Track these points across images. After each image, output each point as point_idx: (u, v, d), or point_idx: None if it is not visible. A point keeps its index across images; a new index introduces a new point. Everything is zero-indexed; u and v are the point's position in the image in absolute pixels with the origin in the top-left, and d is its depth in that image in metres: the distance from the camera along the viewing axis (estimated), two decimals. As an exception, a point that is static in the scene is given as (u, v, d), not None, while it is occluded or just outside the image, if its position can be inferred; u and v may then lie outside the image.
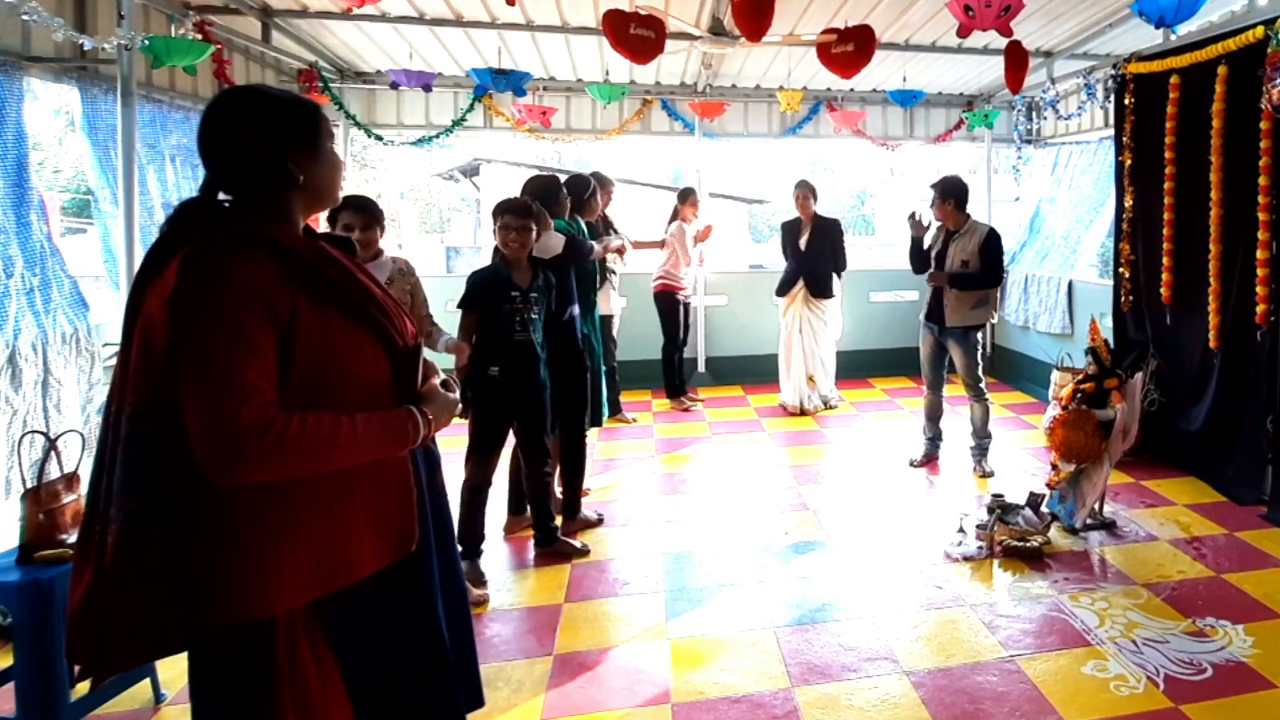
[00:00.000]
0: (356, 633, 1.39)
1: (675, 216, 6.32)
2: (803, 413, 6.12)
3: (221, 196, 1.40)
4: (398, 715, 1.45)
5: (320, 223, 3.23)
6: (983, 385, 4.74)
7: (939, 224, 4.82)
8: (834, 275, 6.11)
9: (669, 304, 6.21)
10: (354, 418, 1.32)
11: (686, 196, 6.38)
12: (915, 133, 7.71)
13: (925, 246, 4.87)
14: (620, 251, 5.09)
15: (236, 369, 1.21)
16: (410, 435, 1.42)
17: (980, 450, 4.79)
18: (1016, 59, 4.52)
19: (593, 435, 5.15)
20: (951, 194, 4.68)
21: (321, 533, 1.34)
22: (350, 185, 7.01)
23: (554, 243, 3.64)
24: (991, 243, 4.61)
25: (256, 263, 1.28)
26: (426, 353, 1.56)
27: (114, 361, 1.45)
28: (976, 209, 4.78)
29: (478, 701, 1.66)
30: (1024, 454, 5.12)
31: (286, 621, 1.31)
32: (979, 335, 4.75)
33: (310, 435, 1.25)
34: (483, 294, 3.33)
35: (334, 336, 1.35)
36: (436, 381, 1.55)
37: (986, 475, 4.67)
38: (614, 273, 5.56)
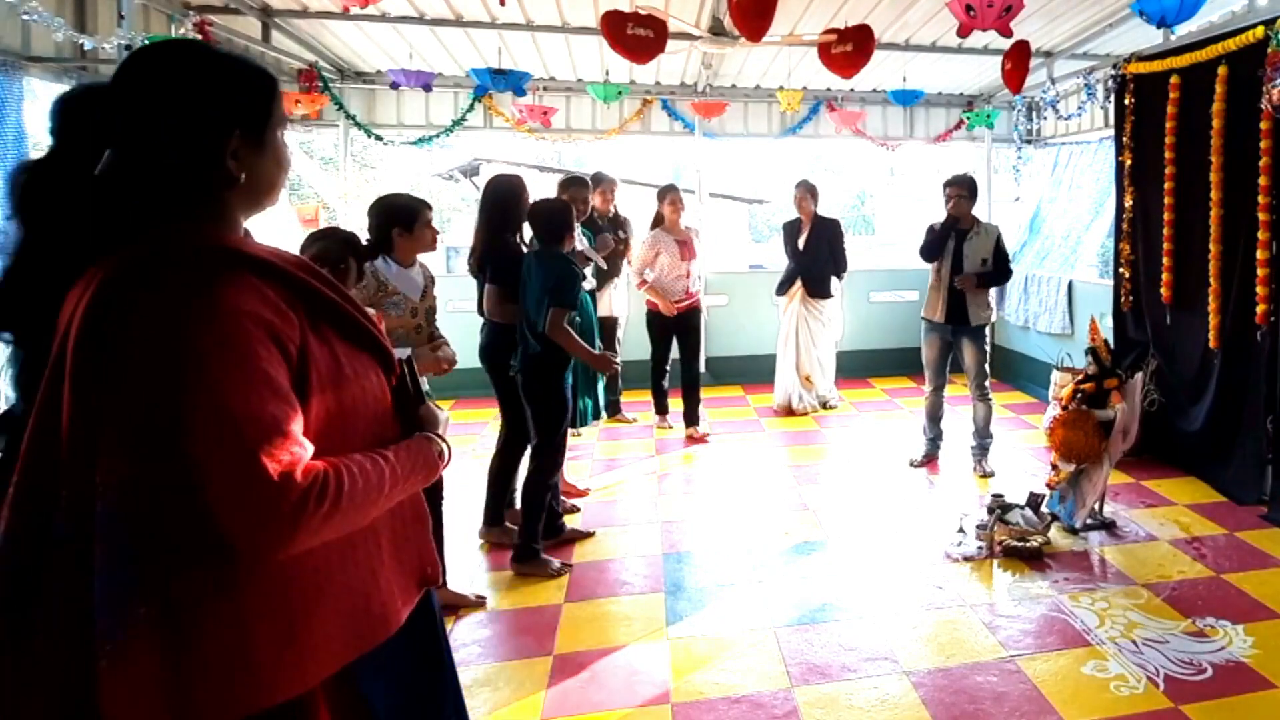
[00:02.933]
0: (382, 676, 1.23)
1: (657, 221, 5.50)
2: (790, 412, 6.09)
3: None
4: None
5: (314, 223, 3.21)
6: (988, 385, 4.77)
7: (941, 223, 4.83)
8: (834, 276, 6.07)
9: (649, 320, 5.57)
10: (387, 456, 1.16)
11: (664, 195, 5.51)
12: (915, 133, 7.71)
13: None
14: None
15: (274, 422, 0.98)
16: (436, 463, 1.28)
17: (981, 450, 4.80)
18: (1019, 58, 4.52)
19: (593, 435, 5.16)
20: (977, 190, 4.83)
21: (351, 582, 1.14)
22: (351, 186, 7.01)
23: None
24: (1002, 241, 4.80)
25: (248, 286, 1.03)
26: None
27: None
28: (977, 209, 4.84)
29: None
30: (1024, 454, 5.12)
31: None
32: (987, 331, 4.85)
33: (360, 486, 1.07)
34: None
35: (342, 364, 1.16)
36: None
37: (987, 475, 4.68)
38: (617, 274, 5.52)
